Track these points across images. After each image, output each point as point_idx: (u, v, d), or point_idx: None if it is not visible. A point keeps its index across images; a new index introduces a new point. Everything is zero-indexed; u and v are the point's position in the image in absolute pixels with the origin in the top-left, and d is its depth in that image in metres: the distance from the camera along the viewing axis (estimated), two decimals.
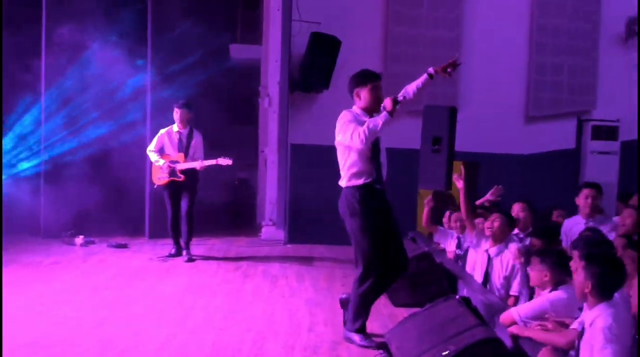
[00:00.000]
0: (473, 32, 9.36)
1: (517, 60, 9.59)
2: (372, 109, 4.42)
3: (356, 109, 4.48)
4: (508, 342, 3.52)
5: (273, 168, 8.94)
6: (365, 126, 4.20)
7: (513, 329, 3.54)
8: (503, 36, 9.45)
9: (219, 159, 7.00)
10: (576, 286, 3.06)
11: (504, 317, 3.74)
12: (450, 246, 6.30)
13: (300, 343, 4.38)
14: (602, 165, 9.89)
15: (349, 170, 4.42)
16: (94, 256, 7.31)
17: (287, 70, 8.64)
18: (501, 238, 4.92)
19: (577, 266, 3.27)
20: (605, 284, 2.97)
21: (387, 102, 4.30)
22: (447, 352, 3.04)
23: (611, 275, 3.00)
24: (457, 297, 3.83)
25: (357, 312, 4.34)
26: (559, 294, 3.64)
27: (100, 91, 8.34)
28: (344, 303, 4.54)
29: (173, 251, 7.26)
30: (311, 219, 8.91)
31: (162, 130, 7.24)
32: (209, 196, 8.31)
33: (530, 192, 8.21)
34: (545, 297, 3.66)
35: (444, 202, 8.08)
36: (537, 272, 3.76)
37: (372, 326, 4.87)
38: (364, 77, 4.47)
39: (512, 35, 9.52)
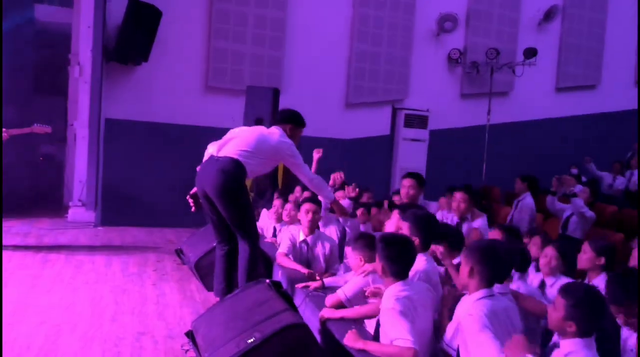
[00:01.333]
0: (298, 15, 9.41)
1: (340, 47, 9.85)
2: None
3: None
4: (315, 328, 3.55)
5: (83, 144, 8.24)
6: (321, 181, 4.66)
7: (323, 313, 3.56)
8: (327, 22, 9.64)
9: (34, 126, 6.24)
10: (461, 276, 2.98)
11: (330, 299, 3.75)
12: (268, 232, 6.24)
13: (101, 335, 4.03)
14: (412, 151, 10.56)
15: (249, 156, 4.35)
16: None
17: (100, 38, 7.98)
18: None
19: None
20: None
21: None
22: (252, 340, 2.94)
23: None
24: (267, 281, 3.73)
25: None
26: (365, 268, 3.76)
27: None
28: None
29: None
30: (125, 200, 8.41)
31: None
32: (9, 173, 7.42)
33: (349, 175, 8.50)
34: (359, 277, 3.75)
35: (264, 185, 8.06)
36: (353, 258, 3.84)
37: (182, 311, 4.69)
38: (302, 120, 4.78)
39: (336, 21, 9.74)
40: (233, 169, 4.27)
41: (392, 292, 3.08)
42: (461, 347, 2.78)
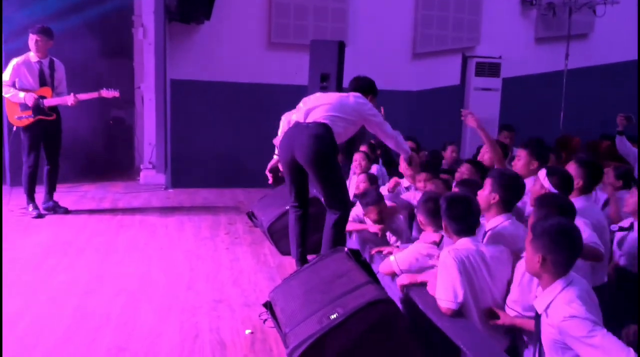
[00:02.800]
0: None
1: None
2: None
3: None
4: (397, 294, 3.39)
5: (151, 106, 8.24)
6: (399, 136, 4.57)
7: (402, 280, 3.40)
8: None
9: (102, 90, 6.24)
10: None
11: (384, 267, 3.61)
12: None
13: (177, 304, 4.01)
14: (484, 101, 10.06)
15: (337, 120, 4.29)
16: None
17: None
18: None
19: None
20: None
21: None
22: (335, 316, 2.80)
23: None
24: (346, 249, 3.58)
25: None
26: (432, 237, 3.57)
27: None
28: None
29: (48, 205, 6.41)
30: (194, 162, 8.43)
31: (17, 59, 6.09)
32: (80, 138, 7.52)
33: (419, 128, 8.21)
34: (419, 244, 3.58)
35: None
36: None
37: (256, 276, 4.63)
38: (375, 89, 4.71)
39: None
40: (326, 133, 4.21)
41: (452, 247, 3.07)
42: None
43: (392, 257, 3.59)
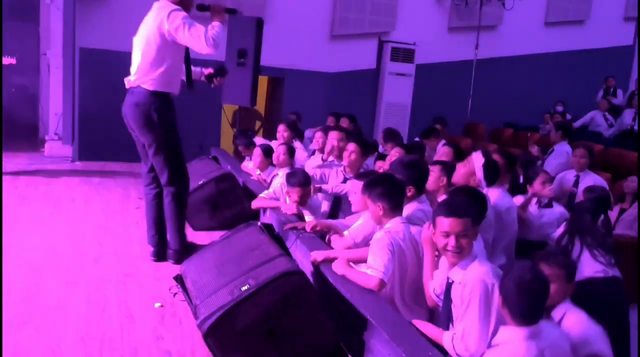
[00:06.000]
0: None
1: None
2: (185, 7, 4.06)
3: (169, 3, 4.03)
4: (309, 268, 3.46)
5: (58, 74, 7.84)
6: (213, 30, 3.91)
7: (315, 256, 3.44)
8: None
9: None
10: None
11: (337, 243, 3.69)
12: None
13: (84, 277, 3.90)
14: (398, 86, 10.35)
15: (155, 71, 3.99)
16: None
17: None
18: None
19: None
20: None
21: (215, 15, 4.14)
22: (246, 287, 2.83)
23: None
24: (259, 223, 3.61)
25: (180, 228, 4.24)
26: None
27: None
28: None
29: None
30: (103, 133, 8.11)
31: None
32: None
33: (335, 109, 8.30)
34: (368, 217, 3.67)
35: (248, 119, 7.84)
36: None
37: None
38: None
39: None
40: (144, 99, 4.03)
41: (388, 228, 3.21)
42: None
43: (345, 232, 3.69)
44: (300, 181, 4.46)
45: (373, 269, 3.03)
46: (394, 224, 3.23)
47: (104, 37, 8.07)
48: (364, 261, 3.24)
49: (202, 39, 3.83)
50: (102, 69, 8.09)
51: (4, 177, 6.46)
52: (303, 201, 4.47)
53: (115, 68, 8.19)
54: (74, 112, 7.94)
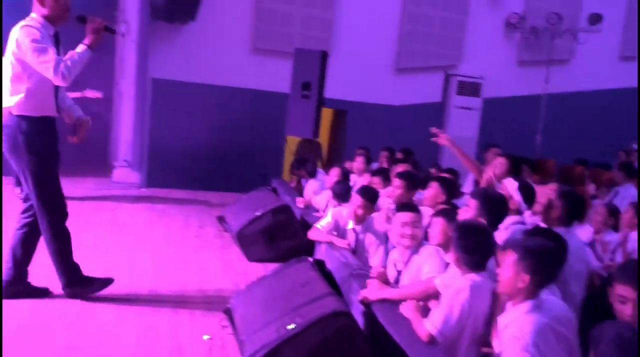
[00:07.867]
0: None
1: (392, 8, 9.45)
2: (58, 18, 3.67)
3: (38, 18, 3.62)
4: (359, 311, 3.35)
5: (129, 103, 8.16)
6: (68, 61, 3.50)
7: (366, 294, 3.32)
8: None
9: (87, 90, 6.14)
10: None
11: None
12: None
13: (137, 306, 3.92)
14: (464, 120, 10.17)
15: (19, 92, 3.58)
16: None
17: None
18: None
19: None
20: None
21: (91, 32, 3.67)
22: (292, 326, 2.77)
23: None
24: (310, 259, 3.56)
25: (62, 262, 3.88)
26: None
27: None
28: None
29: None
30: (170, 162, 8.36)
31: None
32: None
33: (398, 143, 8.22)
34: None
35: (310, 150, 7.86)
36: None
37: (221, 281, 4.58)
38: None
39: None
40: (12, 123, 3.60)
41: (461, 281, 2.86)
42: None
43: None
44: (364, 192, 4.35)
45: (433, 321, 2.77)
46: (475, 279, 2.85)
47: (176, 68, 8.35)
48: (418, 299, 3.10)
49: (51, 69, 3.44)
50: (173, 99, 8.37)
51: (70, 202, 6.69)
52: (360, 216, 4.34)
53: (185, 98, 8.56)
54: (144, 140, 8.20)
